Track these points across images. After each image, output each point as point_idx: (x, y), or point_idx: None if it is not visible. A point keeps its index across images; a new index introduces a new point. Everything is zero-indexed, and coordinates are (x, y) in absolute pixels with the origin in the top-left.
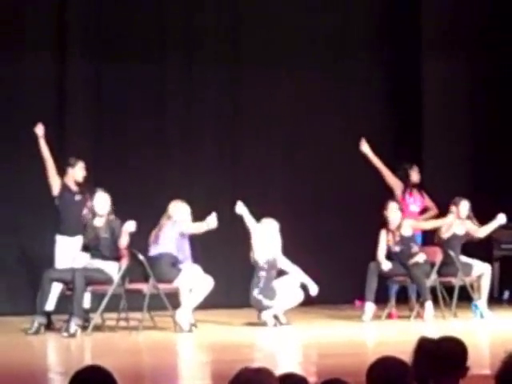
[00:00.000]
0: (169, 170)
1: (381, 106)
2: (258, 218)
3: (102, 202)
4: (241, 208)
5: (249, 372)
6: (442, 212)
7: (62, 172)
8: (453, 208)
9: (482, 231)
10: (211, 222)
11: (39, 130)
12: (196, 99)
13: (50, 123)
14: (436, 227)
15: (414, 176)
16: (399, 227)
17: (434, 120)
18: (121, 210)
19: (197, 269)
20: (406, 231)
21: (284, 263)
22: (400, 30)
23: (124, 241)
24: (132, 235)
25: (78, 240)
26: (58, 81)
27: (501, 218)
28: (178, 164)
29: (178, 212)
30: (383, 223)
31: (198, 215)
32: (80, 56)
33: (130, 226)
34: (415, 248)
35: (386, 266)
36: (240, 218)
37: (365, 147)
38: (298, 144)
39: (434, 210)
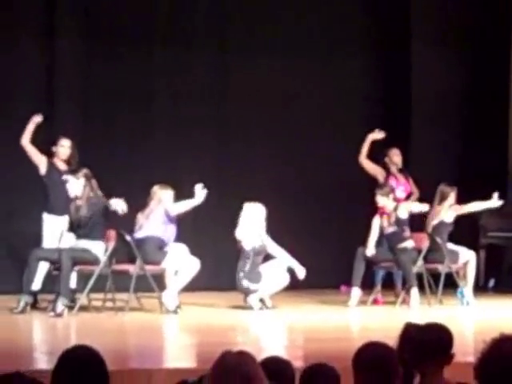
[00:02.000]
0: (155, 155)
1: (369, 94)
2: (245, 200)
3: (71, 187)
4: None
5: (231, 355)
6: (427, 197)
7: (50, 152)
8: (451, 193)
9: (471, 206)
10: (199, 193)
11: (36, 117)
12: (184, 85)
13: (38, 107)
14: (478, 210)
15: (395, 158)
16: (396, 209)
17: (422, 110)
18: (107, 193)
19: (183, 248)
20: (403, 214)
21: (272, 247)
22: (389, 14)
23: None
24: (118, 217)
25: (66, 219)
26: (47, 65)
27: (495, 202)
28: (165, 149)
29: (166, 195)
30: (377, 209)
31: (185, 196)
32: (68, 41)
33: (118, 203)
34: (407, 232)
35: (370, 252)
36: (228, 200)
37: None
38: (286, 130)
39: (415, 195)
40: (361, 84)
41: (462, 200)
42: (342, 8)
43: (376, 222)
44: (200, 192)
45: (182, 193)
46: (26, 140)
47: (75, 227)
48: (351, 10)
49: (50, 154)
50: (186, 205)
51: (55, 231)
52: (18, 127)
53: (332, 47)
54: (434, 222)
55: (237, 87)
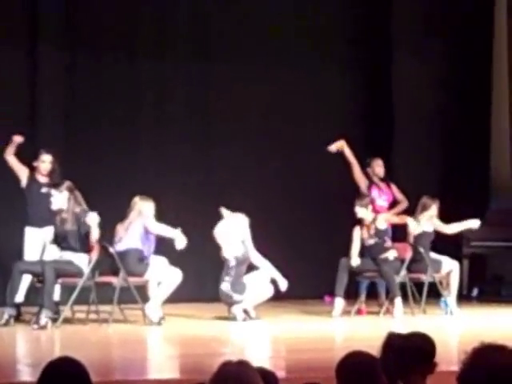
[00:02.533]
0: (140, 165)
1: (352, 103)
2: (228, 211)
3: (54, 200)
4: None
5: (231, 365)
6: (409, 209)
7: (31, 166)
8: (433, 206)
9: (451, 228)
10: (179, 242)
11: (17, 138)
12: (168, 94)
13: (20, 115)
14: (456, 232)
15: (377, 169)
16: (374, 220)
17: (404, 122)
18: (91, 204)
19: (163, 261)
20: (381, 224)
21: (255, 258)
22: (371, 27)
23: (95, 234)
24: (101, 228)
25: (47, 231)
26: (29, 72)
27: (474, 222)
28: (149, 159)
29: (146, 208)
30: (357, 220)
31: (167, 212)
32: (51, 47)
33: (92, 218)
34: (388, 243)
35: (355, 262)
36: (211, 211)
37: (341, 144)
38: (269, 140)
39: (404, 203)
40: (343, 96)
41: (445, 211)
42: (326, 20)
43: (356, 233)
44: (180, 238)
45: (165, 206)
46: (9, 154)
47: (60, 240)
48: (335, 23)
49: (31, 168)
50: (166, 231)
51: (36, 244)
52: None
53: (314, 59)
54: (416, 232)
55: (221, 99)
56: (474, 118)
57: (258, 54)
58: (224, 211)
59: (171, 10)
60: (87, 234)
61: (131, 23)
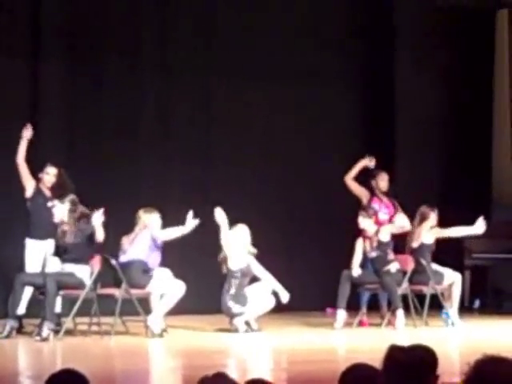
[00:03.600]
0: (142, 177)
1: (354, 117)
2: (229, 224)
3: (58, 210)
4: (220, 214)
5: (208, 380)
6: (410, 220)
7: (35, 176)
8: (432, 215)
9: (455, 231)
10: (190, 222)
11: (26, 132)
12: (170, 107)
13: (22, 127)
14: (460, 236)
15: (381, 184)
16: (377, 233)
17: (407, 132)
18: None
19: (167, 273)
20: (384, 237)
21: (257, 269)
22: (374, 37)
23: (99, 235)
24: (103, 241)
25: (49, 244)
26: (32, 82)
27: (479, 226)
28: (151, 171)
29: (152, 219)
30: (359, 231)
31: (171, 221)
32: (53, 59)
33: (97, 217)
34: (391, 255)
35: (356, 272)
36: (213, 224)
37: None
38: (272, 152)
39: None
40: (345, 109)
41: (445, 222)
42: (327, 33)
43: (359, 244)
44: (190, 220)
45: (168, 218)
46: (21, 159)
47: (61, 252)
48: (335, 35)
49: (38, 180)
50: (174, 232)
51: (38, 256)
52: (1, 151)
53: (317, 73)
54: (415, 244)
55: (222, 112)
56: (476, 130)
57: (261, 68)
58: (219, 214)
59: (174, 22)
60: (88, 247)
61: (133, 36)
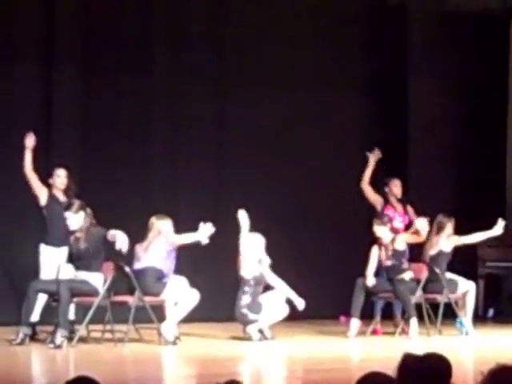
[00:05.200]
0: (153, 185)
1: (367, 123)
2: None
3: (70, 221)
4: (243, 216)
5: None
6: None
7: (48, 183)
8: (448, 224)
9: (474, 237)
10: (203, 230)
11: (29, 141)
12: (182, 113)
13: (36, 135)
14: (479, 241)
15: (395, 190)
16: (393, 241)
17: (420, 138)
18: (105, 223)
19: (182, 281)
20: (400, 245)
21: (271, 278)
22: (387, 50)
23: (121, 243)
24: (116, 249)
25: (64, 251)
26: (46, 93)
27: (498, 228)
28: (163, 179)
29: (165, 226)
30: (375, 239)
31: (182, 230)
32: (67, 70)
33: (117, 236)
34: (405, 264)
35: (371, 281)
36: (225, 232)
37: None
38: (284, 159)
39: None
40: (358, 115)
41: (460, 232)
42: (339, 41)
43: (374, 252)
44: (204, 228)
45: (180, 224)
46: (28, 169)
47: (74, 259)
48: (348, 44)
49: (49, 186)
50: (188, 238)
51: (52, 263)
52: (15, 157)
53: (329, 78)
54: (432, 252)
55: (235, 117)
56: (490, 137)
57: (273, 74)
58: (241, 216)
59: (185, 32)
60: (101, 253)
61: (146, 43)
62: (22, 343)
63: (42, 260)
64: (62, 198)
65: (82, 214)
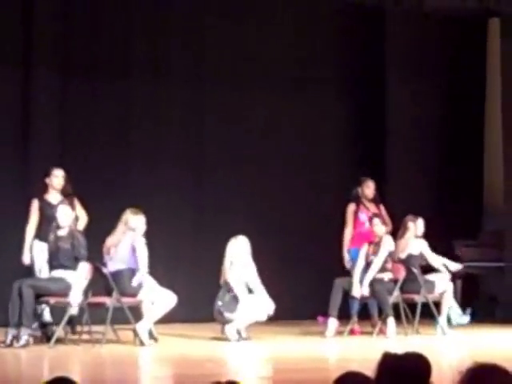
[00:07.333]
0: (131, 192)
1: (345, 126)
2: (221, 234)
3: (63, 215)
4: None
5: None
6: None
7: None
8: (411, 224)
9: (436, 261)
10: (137, 279)
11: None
12: (160, 120)
13: (14, 137)
14: (434, 265)
15: (366, 191)
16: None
17: (398, 139)
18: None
19: (153, 282)
20: (389, 245)
21: (252, 282)
22: (364, 53)
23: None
24: (92, 248)
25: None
26: (22, 97)
27: (455, 265)
28: (141, 186)
29: (136, 222)
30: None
31: (164, 232)
32: (44, 73)
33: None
34: (389, 264)
35: (357, 293)
36: (206, 234)
37: None
38: (264, 163)
39: (388, 226)
40: (335, 117)
41: (438, 232)
42: (317, 42)
43: (363, 250)
44: (140, 277)
45: (160, 229)
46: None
47: (52, 257)
48: (326, 44)
49: (43, 188)
50: (143, 260)
51: (44, 257)
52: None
53: (305, 80)
54: (402, 255)
55: (216, 121)
56: (468, 141)
57: (253, 79)
58: None
59: (165, 34)
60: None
61: (124, 47)
62: (10, 345)
63: (35, 255)
64: (54, 201)
65: (73, 213)
